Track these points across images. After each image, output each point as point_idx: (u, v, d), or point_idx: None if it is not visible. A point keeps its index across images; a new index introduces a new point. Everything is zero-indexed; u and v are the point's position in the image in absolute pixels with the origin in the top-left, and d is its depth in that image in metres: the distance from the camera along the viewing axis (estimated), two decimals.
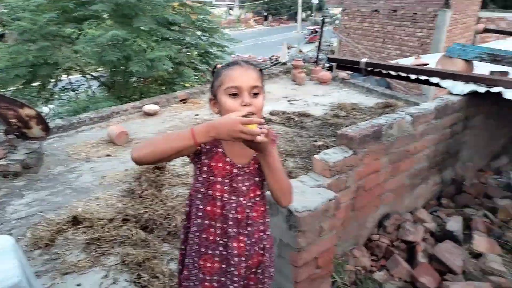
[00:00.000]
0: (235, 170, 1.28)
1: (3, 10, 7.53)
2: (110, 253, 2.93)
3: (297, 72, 8.74)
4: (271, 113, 6.59)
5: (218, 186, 1.29)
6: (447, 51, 3.17)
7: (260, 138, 1.08)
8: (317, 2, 23.13)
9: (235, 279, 1.34)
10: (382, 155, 2.36)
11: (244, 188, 1.31)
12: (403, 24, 12.84)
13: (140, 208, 3.46)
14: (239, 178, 1.30)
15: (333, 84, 8.94)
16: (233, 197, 1.30)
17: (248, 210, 1.33)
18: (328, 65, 9.37)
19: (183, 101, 6.83)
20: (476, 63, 3.18)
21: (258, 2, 42.69)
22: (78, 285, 2.64)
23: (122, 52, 6.81)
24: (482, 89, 2.73)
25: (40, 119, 4.31)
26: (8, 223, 3.34)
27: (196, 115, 6.37)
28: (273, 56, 23.27)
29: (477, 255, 2.60)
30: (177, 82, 8.29)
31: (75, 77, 9.46)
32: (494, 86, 2.71)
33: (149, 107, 6.17)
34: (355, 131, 2.14)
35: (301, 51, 24.85)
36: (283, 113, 6.69)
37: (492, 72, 2.90)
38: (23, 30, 6.78)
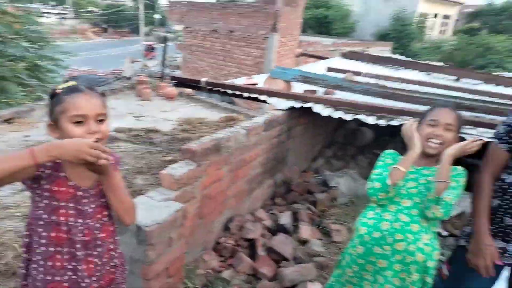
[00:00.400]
0: (79, 193, 1.29)
1: None
2: None
3: (143, 88, 8.63)
4: (116, 130, 6.34)
5: (63, 211, 1.27)
6: (271, 73, 3.75)
7: (102, 161, 1.16)
8: (159, 17, 23.17)
9: None
10: (223, 165, 2.65)
11: (90, 210, 1.33)
12: (240, 44, 14.08)
13: None
14: (85, 200, 1.31)
15: (180, 100, 9.16)
16: (80, 220, 1.30)
17: (96, 232, 1.35)
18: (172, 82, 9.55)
19: (8, 121, 5.96)
20: (294, 83, 3.86)
21: (94, 13, 40.06)
22: None
23: None
24: (298, 105, 3.35)
25: None
26: None
27: (26, 136, 5.66)
28: (116, 70, 22.16)
29: (304, 242, 3.14)
30: (0, 100, 7.17)
31: None
32: (307, 102, 3.36)
33: None
34: (197, 145, 2.36)
35: (146, 66, 24.38)
36: (130, 129, 6.52)
37: (305, 91, 3.58)
38: None
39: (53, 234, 1.28)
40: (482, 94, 3.85)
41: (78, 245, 1.31)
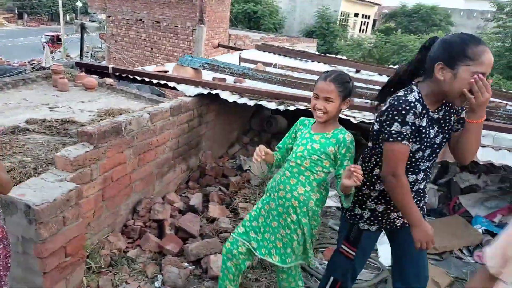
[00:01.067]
0: None
1: None
2: None
3: (59, 77, 8.19)
4: (27, 122, 6.01)
5: None
6: (179, 60, 3.85)
7: None
8: (81, 5, 21.81)
9: None
10: (126, 148, 2.73)
11: None
12: (168, 35, 13.84)
13: None
14: None
15: (101, 90, 8.81)
16: None
17: None
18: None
19: None
20: (204, 72, 4.01)
21: None
22: None
23: None
24: (205, 91, 3.51)
25: None
26: None
27: None
28: (33, 60, 20.51)
29: (212, 220, 3.33)
30: None
31: None
32: (214, 89, 3.53)
33: None
34: (94, 128, 2.41)
35: (68, 56, 22.88)
36: (43, 121, 6.21)
37: (214, 79, 3.75)
38: None
39: None
40: (374, 83, 4.34)
41: None
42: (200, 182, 3.95)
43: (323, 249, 3.21)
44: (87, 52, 20.17)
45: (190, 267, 2.76)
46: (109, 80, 9.00)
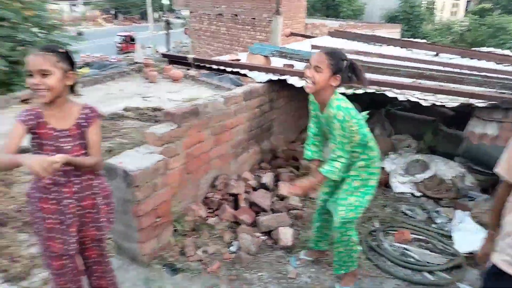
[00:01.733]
0: (56, 133, 1.72)
1: None
2: None
3: (149, 70, 9.11)
4: (125, 109, 6.87)
5: (46, 147, 1.71)
6: (250, 49, 4.13)
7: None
8: (168, 2, 23.43)
9: (68, 216, 1.79)
10: (204, 128, 3.08)
11: (68, 147, 1.74)
12: (245, 28, 14.32)
13: None
14: (61, 139, 1.73)
15: (185, 82, 9.60)
16: (59, 155, 1.69)
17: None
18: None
19: (25, 101, 6.52)
20: (274, 59, 4.23)
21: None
22: None
23: None
24: (275, 77, 3.74)
25: None
26: None
27: None
28: (127, 56, 22.67)
29: (282, 198, 3.56)
30: (16, 82, 7.71)
31: None
32: (283, 75, 3.74)
33: None
34: (176, 109, 2.80)
35: (157, 52, 24.85)
36: (137, 108, 7.04)
37: (284, 65, 3.95)
38: None
39: None
40: (454, 66, 4.15)
41: (59, 173, 1.73)
42: (272, 164, 4.20)
43: (394, 231, 3.25)
44: (174, 47, 21.68)
45: (262, 237, 3.04)
46: (192, 72, 9.73)
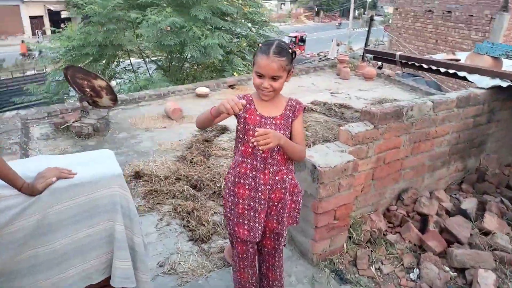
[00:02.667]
0: (263, 120, 1.74)
1: None
2: (165, 203, 3.50)
3: (342, 66, 9.00)
4: (312, 103, 6.97)
5: (251, 132, 1.74)
6: (476, 48, 3.40)
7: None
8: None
9: (262, 201, 1.79)
10: (402, 133, 2.70)
11: None
12: (458, 26, 12.58)
13: (190, 171, 4.03)
14: (267, 126, 1.74)
15: (378, 81, 9.10)
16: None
17: (273, 153, 1.76)
18: (375, 62, 9.52)
19: (232, 86, 7.37)
20: (505, 61, 3.38)
21: None
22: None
23: (179, 38, 7.46)
24: (504, 84, 2.97)
25: (110, 90, 5.00)
26: None
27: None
28: (321, 52, 23.37)
29: (486, 233, 2.87)
30: (226, 70, 8.87)
31: (135, 60, 10.35)
32: None
33: (201, 89, 6.77)
34: (377, 109, 2.51)
35: (351, 49, 24.72)
36: (325, 103, 7.04)
37: None
38: (94, 13, 7.62)
39: (242, 148, 1.79)
40: None
41: (258, 159, 1.76)
42: (476, 187, 3.46)
43: None
44: (369, 45, 21.07)
45: (452, 273, 2.50)
46: (387, 71, 9.14)
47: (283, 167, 1.81)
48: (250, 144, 1.73)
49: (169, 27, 7.34)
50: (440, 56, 3.92)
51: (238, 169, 1.81)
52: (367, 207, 2.83)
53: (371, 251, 2.63)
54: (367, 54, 10.62)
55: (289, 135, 1.78)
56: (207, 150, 4.53)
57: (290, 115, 1.78)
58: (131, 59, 9.74)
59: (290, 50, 1.70)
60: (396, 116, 2.60)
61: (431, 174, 3.17)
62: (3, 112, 5.49)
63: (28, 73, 16.79)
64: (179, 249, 2.87)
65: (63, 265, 1.45)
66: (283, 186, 1.83)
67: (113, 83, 8.80)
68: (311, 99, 7.21)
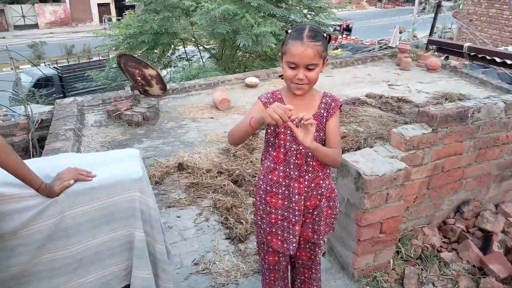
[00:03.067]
0: (295, 122, 1.51)
1: None
2: (205, 197, 3.45)
3: (403, 56, 8.38)
4: (367, 96, 6.56)
5: (282, 136, 1.56)
6: None
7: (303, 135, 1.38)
8: None
9: (296, 213, 1.61)
10: (466, 138, 2.36)
11: None
12: None
13: (233, 165, 3.94)
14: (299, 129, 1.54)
15: (442, 72, 8.37)
16: (294, 146, 1.56)
17: (308, 159, 1.57)
18: (439, 53, 8.75)
19: (281, 76, 7.15)
20: None
21: None
22: (178, 217, 3.21)
23: (232, 26, 7.36)
24: None
25: (160, 79, 5.04)
26: None
27: None
28: (382, 39, 22.13)
29: None
30: (278, 59, 8.65)
31: (190, 48, 10.48)
32: None
33: (250, 79, 6.64)
34: (437, 109, 2.19)
35: (415, 37, 23.13)
36: (381, 96, 6.58)
37: None
38: (150, 1, 7.74)
39: (274, 154, 1.60)
40: None
41: (291, 166, 1.57)
42: None
43: None
44: (435, 33, 19.59)
45: None
46: (454, 62, 8.35)
47: (320, 173, 1.63)
48: (282, 150, 1.56)
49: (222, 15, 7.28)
50: None
51: (270, 177, 1.64)
52: (420, 219, 2.54)
53: (422, 269, 2.34)
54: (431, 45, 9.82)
55: (323, 137, 1.58)
56: (251, 144, 4.41)
57: (325, 114, 1.57)
58: (187, 47, 9.86)
59: (325, 34, 1.48)
60: (459, 118, 2.26)
61: (498, 185, 2.77)
62: (63, 98, 5.79)
63: (95, 58, 17.80)
64: (216, 248, 2.79)
65: (80, 270, 1.40)
66: (319, 192, 1.65)
67: (163, 72, 8.97)
68: (367, 91, 6.79)
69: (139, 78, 5.04)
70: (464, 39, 13.85)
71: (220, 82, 6.64)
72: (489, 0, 12.69)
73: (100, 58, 16.69)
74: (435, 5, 10.95)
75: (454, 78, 7.96)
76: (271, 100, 1.57)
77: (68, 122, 4.72)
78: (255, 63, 9.05)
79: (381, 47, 18.93)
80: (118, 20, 9.83)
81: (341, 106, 1.62)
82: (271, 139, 1.62)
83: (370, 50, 17.23)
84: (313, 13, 8.92)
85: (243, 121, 1.52)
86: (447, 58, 8.61)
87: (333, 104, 1.59)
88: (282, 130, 1.56)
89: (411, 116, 5.73)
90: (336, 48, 17.72)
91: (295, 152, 1.57)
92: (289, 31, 1.50)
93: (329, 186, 1.68)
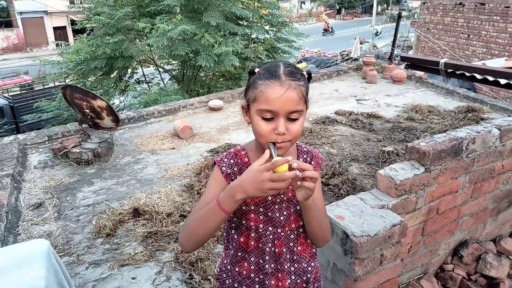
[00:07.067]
0: (269, 198, 1.13)
1: (91, 5, 8.05)
2: (166, 249, 2.97)
3: (369, 69, 8.26)
4: (336, 113, 6.30)
5: (252, 215, 1.14)
6: None
7: (307, 184, 0.95)
8: None
9: None
10: (461, 173, 2.04)
11: (282, 218, 1.14)
12: (492, 19, 11.57)
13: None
14: (275, 206, 1.14)
15: (408, 83, 8.32)
16: (270, 228, 1.14)
17: (291, 244, 1.17)
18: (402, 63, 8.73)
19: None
20: None
21: None
22: (133, 278, 2.70)
23: (191, 47, 6.96)
24: None
25: (110, 111, 4.53)
26: (77, 209, 3.55)
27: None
28: (344, 51, 22.44)
29: None
30: (243, 78, 8.30)
31: (149, 70, 9.94)
32: None
33: (214, 102, 6.23)
34: (428, 145, 1.86)
35: (375, 47, 23.64)
36: (350, 113, 6.34)
37: None
38: (102, 25, 7.21)
39: (242, 239, 1.17)
40: None
41: (266, 257, 1.15)
42: None
43: None
44: (398, 46, 20.04)
45: None
46: (418, 73, 8.31)
47: (307, 260, 1.22)
48: (253, 235, 1.15)
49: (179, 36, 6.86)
50: (495, 62, 3.20)
51: (237, 269, 1.20)
52: (415, 270, 2.18)
53: None
54: (395, 54, 9.82)
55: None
56: None
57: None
58: (146, 68, 9.33)
59: (304, 72, 1.08)
60: (453, 153, 1.94)
61: (494, 219, 2.48)
62: (2, 137, 5.12)
63: (51, 84, 16.76)
64: None
65: None
66: (304, 279, 1.23)
67: (116, 101, 8.38)
68: (335, 108, 6.53)
69: (87, 111, 4.50)
70: (422, 47, 14.13)
71: (182, 107, 6.17)
72: (443, 9, 13.01)
73: (56, 84, 15.77)
74: (392, 15, 11.06)
75: (421, 89, 7.90)
76: (234, 169, 1.13)
77: (6, 166, 4.10)
78: (219, 83, 8.65)
79: (343, 58, 19.14)
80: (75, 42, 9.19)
81: (322, 163, 1.22)
82: (234, 219, 1.18)
83: (333, 62, 17.34)
84: (275, 29, 8.68)
85: (207, 208, 1.04)
86: (407, 67, 8.59)
87: (312, 162, 1.19)
88: (252, 207, 1.13)
89: (384, 133, 5.50)
90: (300, 62, 17.70)
91: (271, 237, 1.15)
92: (256, 69, 1.07)
93: (315, 267, 1.28)
